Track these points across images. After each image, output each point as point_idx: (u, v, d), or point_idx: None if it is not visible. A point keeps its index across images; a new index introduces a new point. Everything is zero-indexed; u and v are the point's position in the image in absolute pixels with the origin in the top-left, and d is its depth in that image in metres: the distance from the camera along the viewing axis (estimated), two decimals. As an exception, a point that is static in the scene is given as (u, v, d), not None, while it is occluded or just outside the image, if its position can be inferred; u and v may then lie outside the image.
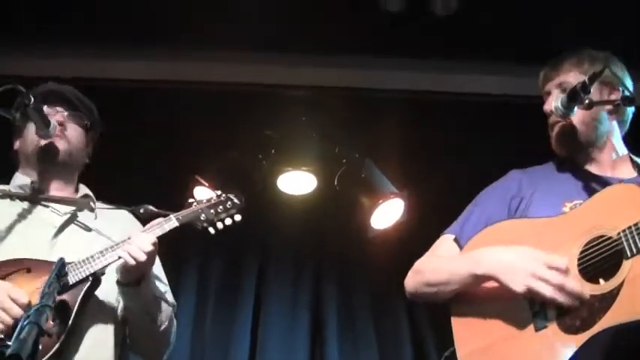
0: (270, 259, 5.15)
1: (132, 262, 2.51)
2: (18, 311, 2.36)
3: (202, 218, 2.74)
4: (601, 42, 2.70)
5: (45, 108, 2.69)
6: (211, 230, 2.77)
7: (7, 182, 2.84)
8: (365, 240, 4.78)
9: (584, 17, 4.00)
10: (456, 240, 2.60)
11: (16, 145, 2.89)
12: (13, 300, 2.37)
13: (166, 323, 2.74)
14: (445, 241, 2.65)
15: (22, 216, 2.68)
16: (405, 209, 4.65)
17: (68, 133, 2.80)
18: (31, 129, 2.77)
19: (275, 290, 5.06)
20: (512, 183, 2.66)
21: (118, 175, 4.45)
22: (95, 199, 2.91)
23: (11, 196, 2.75)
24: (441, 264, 2.56)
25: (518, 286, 2.24)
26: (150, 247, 2.53)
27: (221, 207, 2.79)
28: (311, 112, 4.70)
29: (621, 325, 2.09)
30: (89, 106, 2.96)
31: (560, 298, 2.19)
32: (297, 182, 4.80)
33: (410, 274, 2.63)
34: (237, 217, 2.81)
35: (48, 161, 2.78)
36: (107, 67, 4.50)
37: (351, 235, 4.91)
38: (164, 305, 2.76)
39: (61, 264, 2.25)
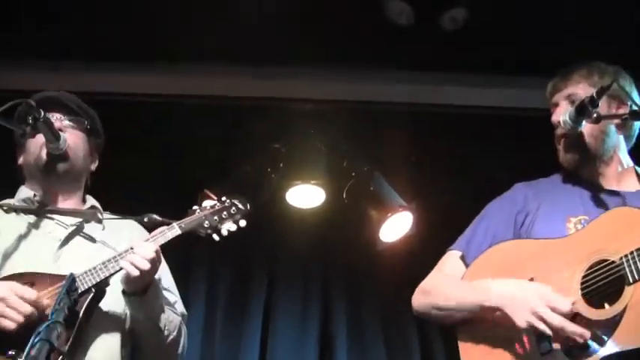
0: (279, 273, 5.15)
1: (135, 272, 2.49)
2: (27, 308, 2.35)
3: (206, 225, 2.68)
4: (601, 57, 2.70)
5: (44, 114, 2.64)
6: (215, 237, 2.72)
7: (13, 196, 2.84)
8: (374, 253, 4.77)
9: (585, 32, 4.01)
10: (462, 257, 2.63)
11: (20, 159, 2.88)
12: (20, 297, 2.36)
13: (175, 333, 2.71)
14: (451, 258, 2.68)
15: (27, 229, 2.67)
16: (413, 222, 4.65)
17: (69, 139, 2.76)
18: (34, 141, 2.76)
19: (284, 303, 5.06)
20: (518, 197, 2.68)
21: (128, 190, 4.46)
22: (102, 210, 2.89)
23: (16, 210, 2.74)
24: (450, 290, 2.59)
25: (520, 322, 2.30)
26: (152, 255, 2.51)
27: (225, 213, 2.73)
28: (319, 125, 4.71)
29: (626, 351, 2.12)
30: (87, 111, 2.93)
31: (559, 336, 2.25)
32: (305, 196, 4.80)
33: (417, 294, 2.67)
34: (242, 223, 2.76)
35: (52, 170, 2.74)
36: (117, 82, 4.51)
37: (359, 248, 4.90)
38: (172, 315, 2.73)
39: (72, 279, 2.24)
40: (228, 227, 2.73)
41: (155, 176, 4.77)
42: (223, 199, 2.79)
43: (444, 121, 4.65)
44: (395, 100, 4.63)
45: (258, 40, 4.21)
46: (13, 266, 2.55)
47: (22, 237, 2.64)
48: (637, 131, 2.71)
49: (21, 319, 2.34)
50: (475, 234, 2.67)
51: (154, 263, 2.53)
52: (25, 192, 2.81)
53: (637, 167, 2.66)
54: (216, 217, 2.71)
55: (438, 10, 4.08)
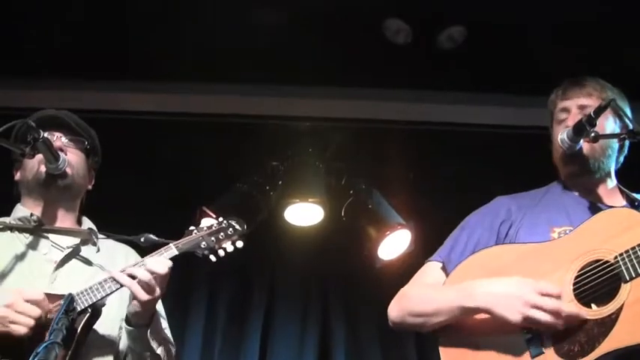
0: (278, 290, 5.14)
1: (143, 296, 2.46)
2: (35, 311, 2.34)
3: (203, 246, 2.66)
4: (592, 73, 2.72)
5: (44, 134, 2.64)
6: (212, 258, 2.70)
7: (8, 214, 2.81)
8: (372, 271, 4.77)
9: (583, 49, 4.03)
10: (443, 268, 2.57)
11: (17, 175, 2.86)
12: (28, 300, 2.36)
13: None
14: (431, 269, 2.62)
15: (23, 250, 2.65)
16: (411, 240, 4.64)
17: (70, 158, 2.76)
18: (32, 157, 2.72)
19: (282, 321, 5.05)
20: (501, 208, 2.64)
21: (125, 207, 4.46)
22: (98, 232, 2.87)
23: (11, 229, 2.72)
24: (428, 294, 2.51)
25: (513, 316, 2.23)
26: (165, 270, 2.48)
27: (222, 234, 2.71)
28: (317, 143, 4.72)
29: (623, 349, 2.09)
30: (88, 130, 2.93)
31: (558, 322, 2.19)
32: (304, 213, 4.80)
33: (393, 302, 2.60)
34: (239, 244, 2.74)
35: (52, 186, 2.73)
36: (114, 100, 4.53)
37: (358, 266, 4.90)
38: (169, 345, 2.73)
39: (70, 299, 2.24)
40: (225, 248, 2.71)
41: (153, 194, 4.77)
42: (220, 219, 2.77)
43: (441, 138, 4.67)
44: (393, 118, 4.65)
45: (257, 59, 4.23)
46: (9, 287, 2.52)
47: (17, 257, 2.62)
48: (626, 152, 2.71)
49: (31, 322, 2.33)
50: (456, 243, 2.60)
51: (164, 280, 2.51)
52: (21, 211, 2.79)
53: (620, 185, 2.65)
54: (213, 238, 2.69)
55: (435, 29, 4.10)
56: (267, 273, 5.13)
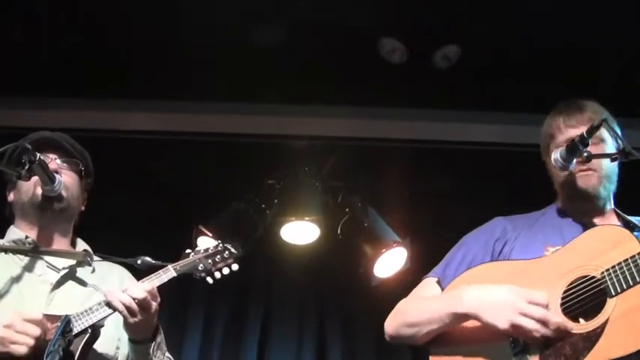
0: (274, 308, 5.15)
1: (126, 314, 2.48)
2: (35, 330, 2.35)
3: (200, 268, 2.71)
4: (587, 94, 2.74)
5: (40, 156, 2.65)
6: (209, 280, 2.74)
7: (1, 236, 2.82)
8: (368, 288, 4.77)
9: (578, 66, 4.06)
10: (438, 282, 2.61)
11: (11, 197, 2.86)
12: (27, 320, 2.36)
13: None
14: (427, 285, 2.66)
15: (18, 271, 2.66)
16: (407, 257, 4.65)
17: (65, 180, 2.76)
18: (28, 179, 2.71)
19: (279, 338, 5.06)
20: (496, 228, 2.68)
21: (120, 226, 4.47)
22: (93, 253, 2.87)
23: (6, 250, 2.72)
24: (420, 304, 2.56)
25: (501, 322, 2.26)
26: (143, 295, 2.49)
27: (219, 257, 2.76)
28: (313, 161, 4.73)
29: None
30: (82, 152, 2.94)
31: (545, 331, 2.21)
32: (300, 232, 4.81)
33: (390, 316, 2.63)
34: (235, 267, 2.79)
35: (47, 209, 2.74)
36: (109, 119, 4.54)
37: (354, 284, 4.91)
38: None
39: (67, 321, 2.25)
40: (221, 270, 2.77)
41: (149, 213, 4.78)
42: (216, 242, 2.83)
43: (437, 156, 4.69)
44: (388, 136, 4.66)
45: (252, 78, 4.25)
46: (4, 308, 2.52)
47: (13, 279, 2.62)
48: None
49: (32, 342, 2.34)
50: (452, 260, 2.65)
51: (146, 304, 2.52)
52: (15, 233, 2.80)
53: (616, 208, 2.67)
54: (210, 261, 2.74)
55: (430, 48, 4.13)
56: (264, 291, 5.13)
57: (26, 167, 2.55)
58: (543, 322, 2.22)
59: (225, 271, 2.77)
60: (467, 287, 2.41)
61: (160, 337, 2.66)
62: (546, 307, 2.25)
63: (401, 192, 4.78)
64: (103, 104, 4.45)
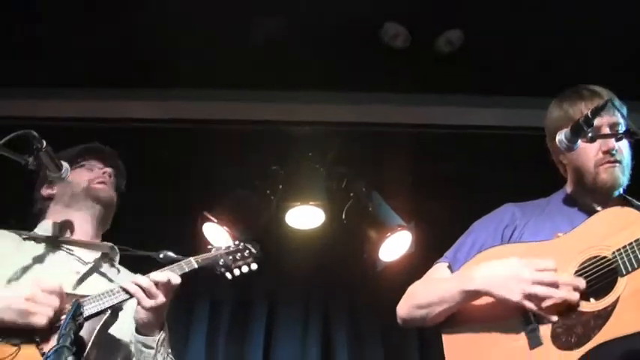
0: (280, 293, 5.18)
1: (146, 302, 2.54)
2: (55, 301, 2.42)
3: (221, 263, 2.83)
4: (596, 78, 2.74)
5: (92, 161, 2.99)
6: (228, 276, 2.86)
7: (31, 229, 2.90)
8: (373, 273, 4.80)
9: (582, 52, 4.07)
10: (449, 267, 2.64)
11: (47, 192, 2.99)
12: (46, 291, 2.43)
13: None
14: (438, 269, 2.68)
15: (46, 261, 2.73)
16: (412, 241, 4.67)
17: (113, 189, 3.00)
18: (78, 173, 2.91)
19: (285, 324, 5.09)
20: (505, 214, 2.70)
21: (128, 213, 4.48)
22: (117, 248, 2.96)
23: (36, 239, 2.80)
24: (432, 285, 2.59)
25: (513, 295, 2.29)
26: (165, 278, 2.57)
27: (239, 254, 2.88)
28: (317, 147, 4.75)
29: (616, 339, 2.14)
30: (124, 172, 3.15)
31: (558, 295, 2.25)
32: (305, 217, 4.83)
33: (402, 300, 2.65)
34: (254, 266, 2.91)
35: (98, 198, 2.93)
36: (115, 107, 4.56)
37: (359, 268, 4.92)
38: None
39: (77, 305, 2.28)
40: (240, 267, 2.88)
41: (153, 200, 4.79)
42: (237, 242, 2.95)
43: (441, 141, 4.70)
44: (392, 121, 4.67)
45: (256, 64, 4.26)
46: None
47: (41, 268, 2.69)
48: None
49: (51, 313, 2.41)
50: (462, 246, 2.68)
51: (164, 288, 2.58)
52: (47, 224, 2.89)
53: (625, 195, 2.65)
54: (230, 257, 2.86)
55: (434, 32, 4.14)
56: (269, 275, 5.15)
57: (33, 155, 2.58)
58: (554, 285, 2.25)
59: (245, 269, 2.89)
60: (476, 266, 2.44)
61: (165, 335, 2.71)
62: (554, 270, 2.28)
63: (405, 177, 4.79)
64: (104, 93, 4.46)
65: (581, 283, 2.26)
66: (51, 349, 1.91)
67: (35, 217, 2.99)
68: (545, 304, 2.27)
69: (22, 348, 2.37)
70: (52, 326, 2.38)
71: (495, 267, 2.38)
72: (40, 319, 2.39)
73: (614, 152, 2.53)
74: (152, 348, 2.63)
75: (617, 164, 2.55)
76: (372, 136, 4.72)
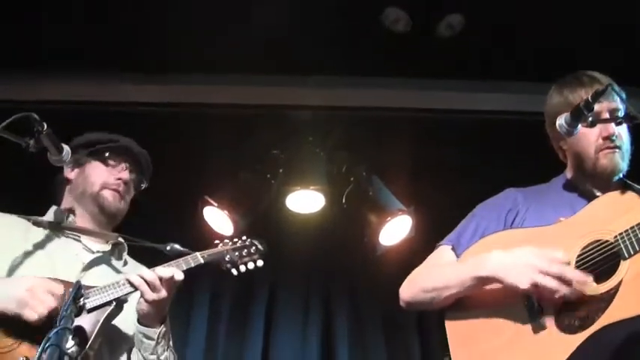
0: (280, 277, 5.18)
1: (149, 295, 2.56)
2: (51, 302, 2.42)
3: (227, 259, 2.83)
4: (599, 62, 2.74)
5: (116, 159, 2.96)
6: (234, 272, 2.86)
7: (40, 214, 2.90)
8: (373, 257, 4.81)
9: (583, 36, 4.06)
10: (453, 249, 2.65)
11: (72, 174, 2.98)
12: (47, 291, 2.44)
13: None
14: (442, 252, 2.69)
15: (54, 249, 2.74)
16: (412, 226, 4.69)
17: (127, 197, 2.98)
18: (96, 168, 2.92)
19: (285, 308, 5.10)
20: (508, 199, 2.71)
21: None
22: (124, 238, 2.97)
23: (44, 226, 2.80)
24: (439, 269, 2.60)
25: (522, 283, 2.29)
26: (169, 274, 2.59)
27: (245, 251, 2.88)
28: (318, 131, 4.75)
29: (618, 322, 2.16)
30: (149, 171, 3.14)
31: (564, 289, 2.26)
32: (305, 201, 4.84)
33: (405, 283, 2.66)
34: (260, 263, 2.91)
35: (103, 208, 2.90)
36: (114, 91, 4.56)
37: (359, 253, 4.94)
38: (173, 357, 2.81)
39: (78, 287, 2.29)
40: (246, 264, 2.87)
41: (154, 185, 4.79)
42: (244, 237, 2.94)
43: (441, 125, 4.70)
44: (392, 105, 4.67)
45: (257, 49, 4.25)
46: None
47: (49, 254, 2.71)
48: None
49: (44, 312, 2.41)
50: (465, 230, 2.68)
51: (167, 284, 2.60)
52: (59, 211, 2.89)
53: (625, 179, 2.66)
54: (237, 254, 2.86)
55: (434, 17, 4.13)
56: (269, 259, 5.15)
57: (34, 137, 2.58)
58: (561, 278, 2.26)
59: (250, 265, 2.88)
60: (489, 252, 2.44)
61: (167, 328, 2.72)
62: (566, 263, 2.29)
63: (405, 161, 4.79)
64: (107, 77, 4.46)
65: (589, 279, 2.26)
66: (51, 330, 1.92)
67: (51, 198, 2.99)
68: (552, 296, 2.28)
69: (22, 344, 2.40)
70: (45, 326, 2.34)
71: (507, 254, 2.38)
72: (31, 314, 2.39)
73: (614, 138, 2.54)
74: (153, 339, 2.65)
75: (617, 150, 2.55)
76: (372, 120, 4.73)
